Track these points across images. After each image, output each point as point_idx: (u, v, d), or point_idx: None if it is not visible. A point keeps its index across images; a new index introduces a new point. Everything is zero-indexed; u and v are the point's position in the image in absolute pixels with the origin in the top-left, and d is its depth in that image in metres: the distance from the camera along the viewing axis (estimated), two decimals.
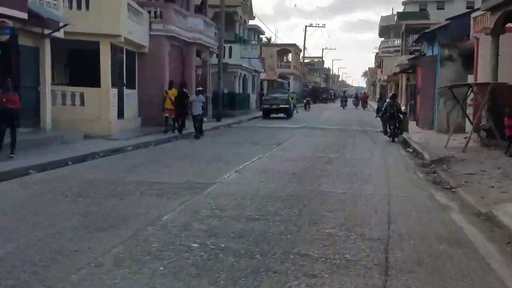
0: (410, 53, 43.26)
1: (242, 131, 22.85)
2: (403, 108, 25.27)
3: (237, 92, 34.09)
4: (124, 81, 18.82)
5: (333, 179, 10.04)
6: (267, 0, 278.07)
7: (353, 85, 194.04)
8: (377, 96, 71.34)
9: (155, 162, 11.87)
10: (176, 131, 18.44)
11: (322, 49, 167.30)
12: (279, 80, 54.52)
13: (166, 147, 15.53)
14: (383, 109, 20.89)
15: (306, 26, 67.42)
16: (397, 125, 19.45)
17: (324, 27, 67.07)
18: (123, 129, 17.67)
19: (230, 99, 33.72)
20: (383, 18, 69.88)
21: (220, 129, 24.24)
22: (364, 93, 66.30)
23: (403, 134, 19.96)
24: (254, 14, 37.22)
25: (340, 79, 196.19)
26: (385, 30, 70.21)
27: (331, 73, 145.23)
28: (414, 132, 22.22)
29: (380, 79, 64.36)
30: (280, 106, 33.49)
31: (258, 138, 18.91)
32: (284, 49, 64.56)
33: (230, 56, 32.49)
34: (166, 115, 18.85)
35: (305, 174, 10.63)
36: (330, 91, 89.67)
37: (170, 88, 18.88)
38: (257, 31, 40.04)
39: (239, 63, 32.73)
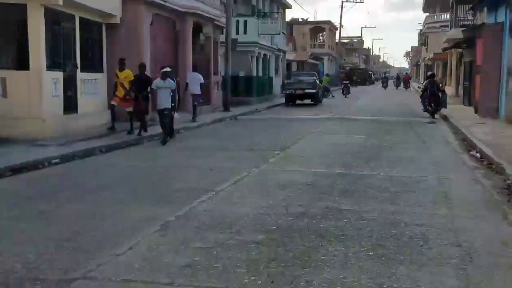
0: (462, 27, 37.14)
1: (246, 126, 17.77)
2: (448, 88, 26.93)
3: (255, 75, 28.79)
4: (77, 62, 13.89)
5: (348, 247, 4.87)
6: None
7: (395, 66, 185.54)
8: (421, 77, 64.58)
9: (35, 205, 6.95)
10: (136, 131, 13.24)
11: (361, 28, 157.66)
12: (311, 61, 48.90)
13: (99, 162, 10.15)
14: (422, 87, 22.81)
15: (342, 2, 61.18)
16: (437, 101, 20.68)
17: (363, 2, 60.18)
18: (75, 128, 12.86)
19: (247, 84, 28.60)
20: None
21: (223, 122, 19.19)
22: (406, 73, 59.78)
23: (462, 130, 14.96)
24: None
25: (381, 60, 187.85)
26: (430, 3, 63.23)
27: (371, 53, 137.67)
28: (475, 123, 16.81)
29: (425, 57, 57.78)
30: (306, 91, 28.16)
31: (258, 138, 13.81)
32: (317, 27, 58.67)
33: (245, 32, 27.26)
34: (113, 103, 13.66)
35: (298, 234, 5.40)
36: (369, 72, 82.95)
37: (121, 70, 13.51)
38: (281, 2, 34.36)
39: (255, 40, 27.43)
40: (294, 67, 45.05)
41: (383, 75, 67.03)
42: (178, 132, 14.40)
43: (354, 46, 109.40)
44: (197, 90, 17.67)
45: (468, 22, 36.22)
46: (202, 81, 18.13)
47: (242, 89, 28.72)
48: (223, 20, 22.06)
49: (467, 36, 24.12)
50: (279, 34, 28.83)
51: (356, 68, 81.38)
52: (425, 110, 20.93)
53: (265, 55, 30.81)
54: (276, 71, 34.37)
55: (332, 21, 63.94)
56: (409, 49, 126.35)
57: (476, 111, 20.37)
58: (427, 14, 65.75)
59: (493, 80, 18.81)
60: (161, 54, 17.89)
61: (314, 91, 28.20)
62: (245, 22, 27.16)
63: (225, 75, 22.55)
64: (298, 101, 29.45)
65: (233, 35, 25.22)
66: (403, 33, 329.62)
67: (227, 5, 22.18)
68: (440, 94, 20.91)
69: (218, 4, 21.73)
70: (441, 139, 14.27)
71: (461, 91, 34.85)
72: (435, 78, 22.42)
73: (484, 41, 19.36)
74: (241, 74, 28.55)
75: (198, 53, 21.26)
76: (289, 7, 36.33)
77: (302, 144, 12.88)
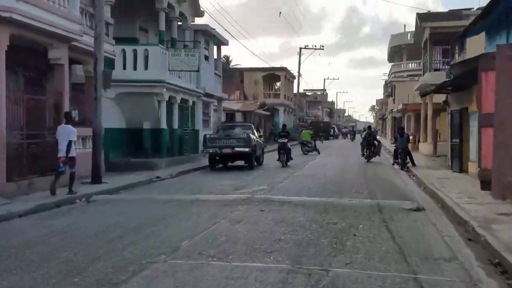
0: (436, 70, 30.47)
1: (72, 226, 9.50)
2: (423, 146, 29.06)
3: (165, 127, 20.75)
4: None
5: None
6: (272, 43, 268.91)
7: (360, 120, 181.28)
8: (388, 131, 57.92)
9: None
10: None
11: (324, 79, 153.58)
12: (261, 112, 41.33)
13: None
14: (363, 137, 28.49)
15: (300, 49, 54.66)
16: (372, 149, 25.09)
17: (323, 49, 53.75)
18: None
19: (154, 140, 20.54)
20: (393, 37, 57.16)
21: (50, 211, 10.85)
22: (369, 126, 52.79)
23: (486, 237, 6.74)
24: (203, 10, 24.13)
25: (346, 114, 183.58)
26: (396, 52, 57.44)
27: (335, 107, 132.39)
28: (496, 215, 9.17)
29: (392, 109, 51.09)
30: (236, 149, 20.27)
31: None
32: (271, 74, 51.61)
33: (146, 67, 19.39)
34: None
35: None
36: (332, 126, 76.16)
37: None
38: (208, 34, 26.42)
39: (161, 78, 19.54)
40: (239, 119, 37.34)
41: (351, 129, 76.19)
42: None
43: (318, 99, 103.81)
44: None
45: (443, 67, 29.59)
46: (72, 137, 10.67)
47: (148, 146, 20.62)
48: (79, 36, 14.10)
49: (456, 73, 16.77)
50: (198, 71, 21.06)
51: (319, 121, 74.52)
52: (362, 155, 25.54)
53: (184, 101, 22.88)
54: (206, 122, 26.40)
55: (291, 70, 57.23)
56: (374, 103, 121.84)
57: (484, 187, 12.72)
58: (393, 63, 59.86)
59: None
60: None
61: (247, 150, 20.30)
62: (146, 52, 19.31)
63: (94, 127, 14.40)
64: (229, 163, 21.58)
65: (124, 69, 17.43)
66: (368, 89, 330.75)
67: (97, 18, 14.27)
68: (376, 143, 25.42)
69: (77, 17, 13.77)
70: (447, 255, 6.48)
71: (442, 150, 27.52)
72: (371, 129, 28.34)
73: (498, 73, 11.86)
74: (146, 126, 20.53)
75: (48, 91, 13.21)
76: (225, 43, 28.85)
77: None
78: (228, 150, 20.31)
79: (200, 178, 18.13)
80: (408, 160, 21.47)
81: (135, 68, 19.20)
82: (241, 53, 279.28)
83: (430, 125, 30.08)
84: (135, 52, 19.25)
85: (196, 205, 11.20)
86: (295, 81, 57.96)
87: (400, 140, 21.50)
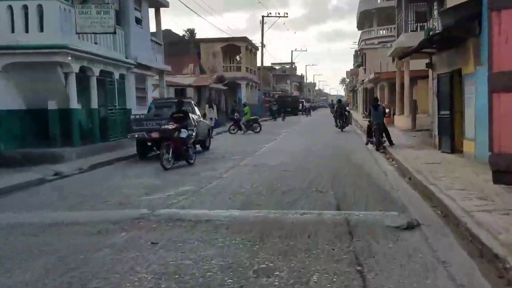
0: (412, 31, 26.42)
1: None
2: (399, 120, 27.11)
3: (76, 107, 16.20)
4: None
5: None
6: (239, 18, 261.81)
7: (331, 94, 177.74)
8: (360, 104, 53.65)
9: None
10: None
11: (291, 51, 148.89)
12: (217, 86, 36.80)
13: None
14: (334, 109, 31.90)
15: (263, 17, 49.99)
16: (344, 119, 28.10)
17: (287, 17, 49.20)
18: None
19: (63, 123, 16.03)
20: (362, 1, 52.90)
21: None
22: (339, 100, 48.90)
23: None
24: None
25: (316, 88, 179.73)
26: (366, 17, 53.33)
27: (305, 80, 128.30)
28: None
29: (363, 80, 47.10)
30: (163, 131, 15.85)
31: None
32: (231, 46, 46.85)
33: (41, 29, 14.74)
34: None
35: None
36: (301, 100, 71.95)
37: None
38: None
39: (66, 43, 14.89)
40: (190, 94, 32.73)
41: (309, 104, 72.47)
42: None
43: (287, 73, 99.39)
44: None
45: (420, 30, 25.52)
46: None
47: (56, 132, 16.10)
48: None
49: (446, 23, 12.61)
50: (113, 33, 16.42)
51: (287, 96, 70.23)
52: (336, 125, 28.38)
53: (107, 73, 18.30)
54: (142, 100, 21.83)
55: (253, 40, 52.55)
56: (345, 76, 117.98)
57: (499, 180, 8.77)
58: (363, 30, 55.78)
59: None
60: None
61: (186, 132, 15.88)
62: (40, 8, 14.60)
63: None
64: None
65: (13, 32, 12.93)
66: (339, 63, 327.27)
67: None
68: (347, 114, 28.82)
69: None
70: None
71: (422, 123, 23.61)
72: (341, 102, 30.50)
73: None
74: (52, 106, 15.98)
75: None
76: (165, 4, 24.11)
77: None
78: (157, 134, 15.91)
79: (116, 172, 13.74)
80: (385, 138, 17.49)
81: (26, 31, 14.53)
82: (207, 28, 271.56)
83: (407, 95, 26.14)
84: (25, 9, 14.53)
85: (48, 236, 6.84)
86: (259, 53, 53.41)
87: (374, 114, 17.46)
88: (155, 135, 15.87)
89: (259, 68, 54.37)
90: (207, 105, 26.46)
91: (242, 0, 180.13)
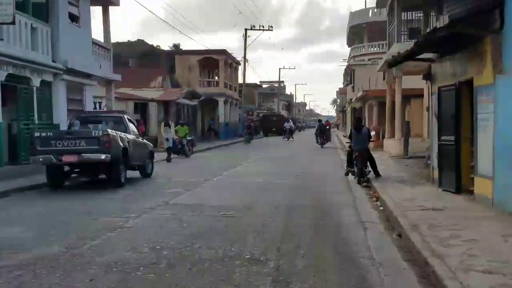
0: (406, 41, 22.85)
1: None
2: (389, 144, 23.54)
3: None
4: None
5: None
6: (231, 38, 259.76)
7: (322, 114, 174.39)
8: (347, 125, 49.92)
9: None
10: None
11: (279, 69, 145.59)
12: (186, 102, 32.95)
13: None
14: (316, 128, 34.95)
15: (246, 30, 46.41)
16: (324, 137, 31.73)
17: (271, 30, 45.66)
18: None
19: None
20: (353, 16, 49.60)
21: None
22: (327, 121, 45.35)
23: None
24: None
25: (307, 108, 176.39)
26: (356, 33, 50.00)
27: (294, 100, 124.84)
28: None
29: (351, 99, 43.52)
30: (85, 156, 12.08)
31: None
32: (209, 59, 43.15)
33: None
34: None
35: None
36: (288, 120, 68.10)
37: None
38: None
39: None
40: (154, 111, 28.85)
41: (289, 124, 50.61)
42: None
43: (275, 91, 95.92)
44: None
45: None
46: None
47: None
48: None
49: (456, 16, 8.90)
50: (12, 23, 12.60)
51: (271, 115, 66.40)
52: (317, 142, 32.02)
53: (20, 79, 14.44)
54: (51, 113, 17.83)
55: (232, 53, 48.96)
56: (335, 96, 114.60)
57: None
58: (353, 46, 52.45)
59: None
60: None
61: (102, 156, 12.11)
62: None
63: None
64: (80, 178, 13.41)
65: None
66: (331, 83, 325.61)
67: None
68: (327, 132, 33.01)
69: None
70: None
71: (415, 148, 19.88)
72: (321, 122, 35.43)
73: None
74: None
75: None
76: (115, 3, 20.40)
77: None
78: (71, 158, 12.11)
79: (10, 211, 9.81)
80: (369, 168, 13.74)
81: None
82: (194, 45, 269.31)
83: (398, 115, 22.46)
84: None
85: None
86: (241, 69, 49.77)
87: (356, 137, 13.70)
88: (68, 158, 12.05)
89: (241, 85, 50.68)
90: (162, 123, 22.55)
91: (235, 22, 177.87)
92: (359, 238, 7.20)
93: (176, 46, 54.48)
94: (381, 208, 9.83)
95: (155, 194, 11.61)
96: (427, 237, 6.78)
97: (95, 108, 21.33)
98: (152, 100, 28.53)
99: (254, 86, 70.52)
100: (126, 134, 13.59)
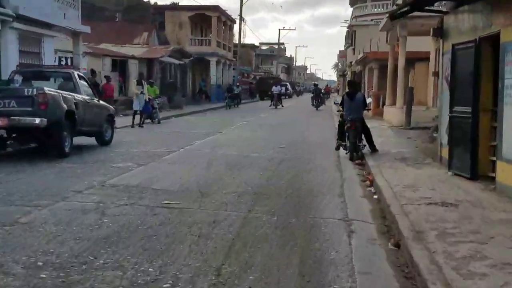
0: None
1: None
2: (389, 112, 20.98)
3: None
4: None
5: None
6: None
7: (323, 79, 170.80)
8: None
9: None
10: None
11: (279, 30, 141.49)
12: (171, 60, 30.42)
13: None
14: (311, 92, 38.91)
15: None
16: (319, 100, 34.78)
17: None
18: None
19: None
20: None
21: None
22: (327, 85, 42.96)
23: None
24: None
25: (308, 72, 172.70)
26: None
27: (294, 62, 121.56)
28: None
29: (351, 62, 40.93)
30: (15, 120, 9.87)
31: None
32: (201, 15, 40.34)
33: None
34: None
35: None
36: (284, 83, 65.39)
37: None
38: None
39: None
40: (135, 69, 26.39)
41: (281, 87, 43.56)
42: None
43: (274, 53, 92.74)
44: None
45: None
46: None
47: None
48: None
49: None
50: None
51: (268, 77, 63.64)
52: (312, 105, 34.07)
53: None
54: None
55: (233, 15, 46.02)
56: (337, 60, 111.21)
57: None
58: (355, 6, 49.46)
59: None
60: None
61: (37, 121, 9.91)
62: None
63: None
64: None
65: None
66: (333, 48, 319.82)
67: None
68: (322, 96, 36.22)
69: None
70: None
71: (418, 118, 17.61)
72: (317, 85, 38.50)
73: None
74: None
75: None
76: None
77: None
78: (2, 122, 9.89)
79: None
80: (364, 141, 11.53)
81: None
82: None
83: (401, 80, 20.05)
84: None
85: None
86: (236, 27, 46.91)
87: (349, 104, 11.41)
88: None
89: (236, 45, 47.92)
90: (134, 80, 20.09)
91: None
92: (340, 252, 5.03)
93: (174, 3, 51.35)
94: (375, 196, 7.68)
95: (98, 170, 9.41)
96: (437, 255, 4.65)
97: (59, 63, 18.94)
98: (133, 57, 26.03)
99: (252, 47, 67.63)
100: (74, 94, 11.30)
